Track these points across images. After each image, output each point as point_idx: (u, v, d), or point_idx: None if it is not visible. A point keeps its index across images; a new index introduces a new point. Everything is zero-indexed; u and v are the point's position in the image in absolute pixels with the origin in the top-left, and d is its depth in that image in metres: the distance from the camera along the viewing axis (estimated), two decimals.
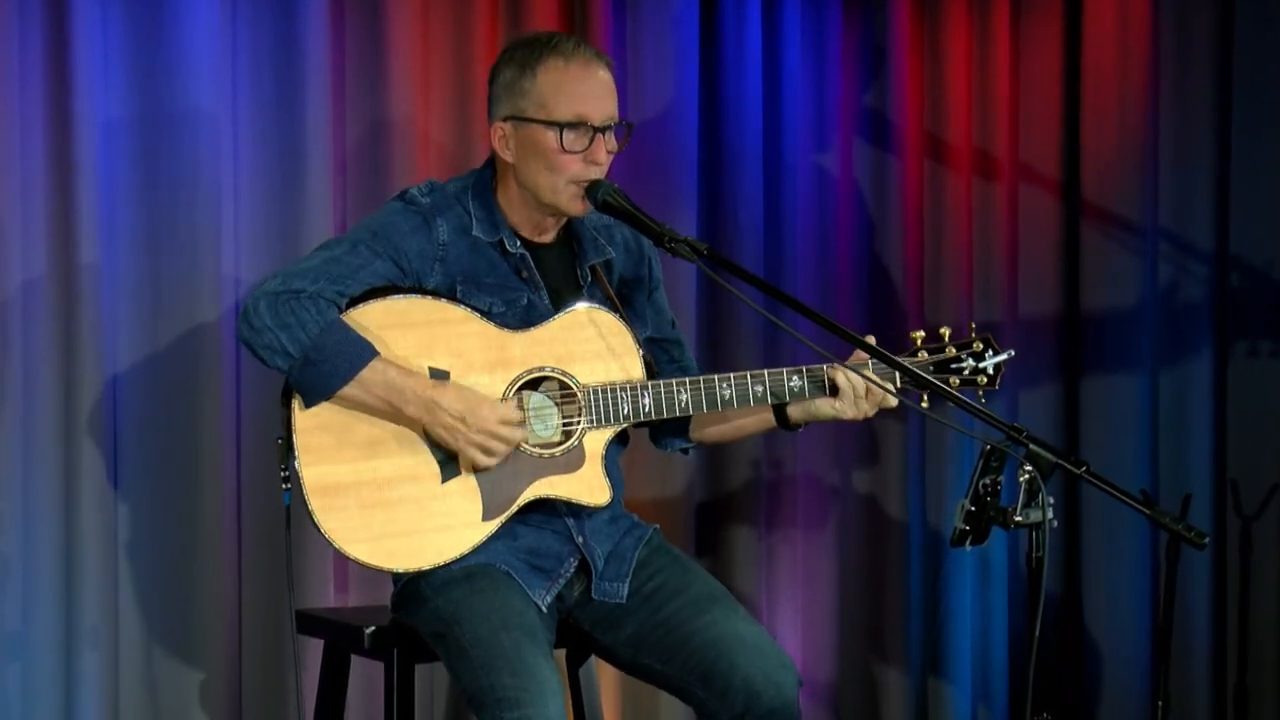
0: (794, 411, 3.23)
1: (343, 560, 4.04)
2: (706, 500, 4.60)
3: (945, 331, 3.22)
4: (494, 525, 3.10)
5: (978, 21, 4.83)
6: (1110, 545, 4.84)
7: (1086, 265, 4.88)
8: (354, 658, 3.40)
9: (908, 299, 4.77)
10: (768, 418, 3.26)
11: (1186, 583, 4.73)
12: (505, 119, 3.15)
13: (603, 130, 3.12)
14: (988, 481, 3.01)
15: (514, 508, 3.11)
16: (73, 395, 3.83)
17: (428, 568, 3.08)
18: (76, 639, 3.84)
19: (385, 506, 3.05)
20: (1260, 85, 4.82)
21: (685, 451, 3.42)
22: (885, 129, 4.76)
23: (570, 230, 3.26)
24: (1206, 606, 4.85)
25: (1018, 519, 2.93)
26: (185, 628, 3.97)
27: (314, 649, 3.62)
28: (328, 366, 2.98)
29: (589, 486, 3.14)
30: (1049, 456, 2.90)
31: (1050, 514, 2.92)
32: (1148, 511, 2.91)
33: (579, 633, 3.27)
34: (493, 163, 3.23)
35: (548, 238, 3.24)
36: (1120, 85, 4.83)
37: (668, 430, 3.38)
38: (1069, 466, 2.90)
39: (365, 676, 3.88)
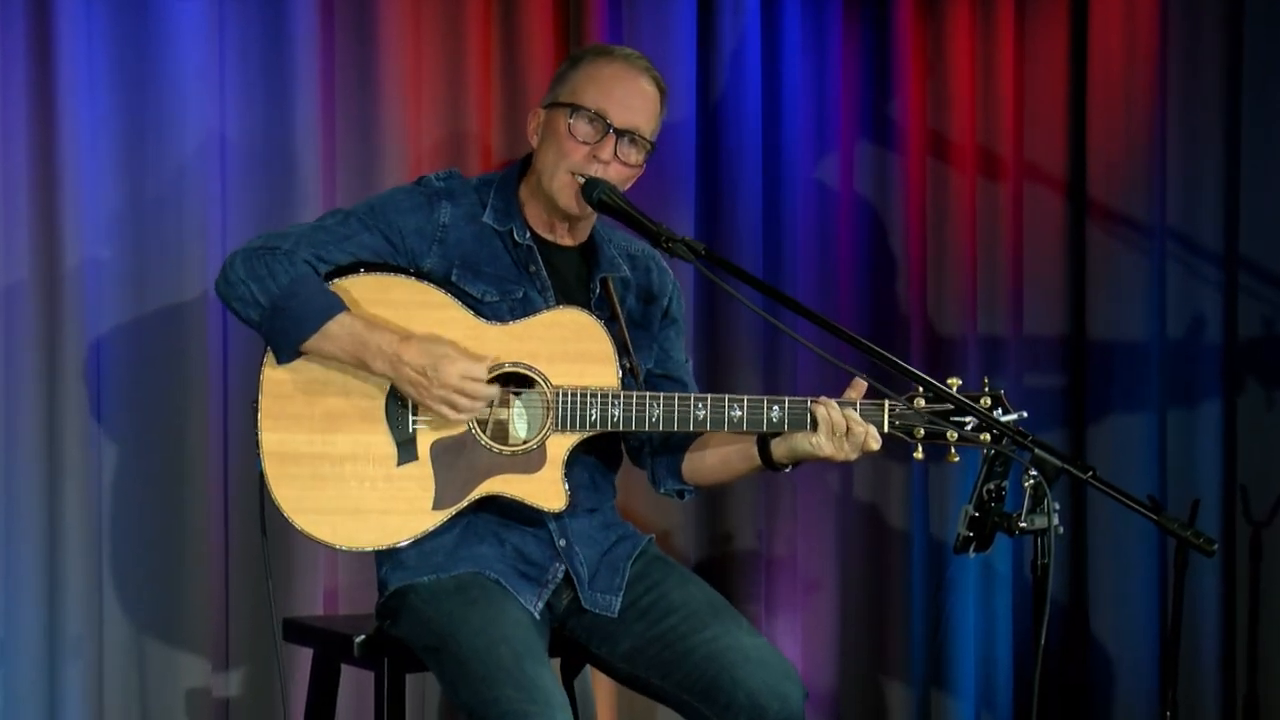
0: (778, 448, 3.12)
1: (333, 570, 4.05)
2: (705, 506, 4.55)
3: (955, 382, 3.02)
4: (443, 516, 3.08)
5: (981, 18, 4.80)
6: (1117, 552, 4.81)
7: (1093, 266, 4.85)
8: (344, 667, 3.38)
9: (910, 300, 4.74)
10: (753, 455, 3.15)
11: (1195, 590, 4.72)
12: (543, 107, 3.20)
13: (621, 134, 3.12)
14: (992, 487, 2.99)
15: (465, 502, 3.09)
16: (56, 399, 3.80)
17: (369, 549, 3.09)
18: (59, 646, 3.81)
19: (338, 481, 3.07)
20: (1269, 82, 4.80)
21: (681, 495, 3.30)
22: (887, 128, 4.72)
23: (592, 242, 3.25)
24: (1215, 614, 4.82)
25: (1023, 525, 2.91)
26: (171, 635, 3.94)
27: (303, 658, 3.58)
28: (297, 314, 3.00)
29: (544, 490, 3.09)
30: (1054, 461, 2.88)
31: (1056, 520, 2.90)
32: (1155, 517, 2.89)
33: (573, 644, 3.22)
34: (529, 158, 3.24)
35: (564, 240, 3.22)
36: (1127, 82, 4.80)
37: (661, 469, 3.29)
38: (1075, 471, 2.88)
39: (355, 686, 3.84)
